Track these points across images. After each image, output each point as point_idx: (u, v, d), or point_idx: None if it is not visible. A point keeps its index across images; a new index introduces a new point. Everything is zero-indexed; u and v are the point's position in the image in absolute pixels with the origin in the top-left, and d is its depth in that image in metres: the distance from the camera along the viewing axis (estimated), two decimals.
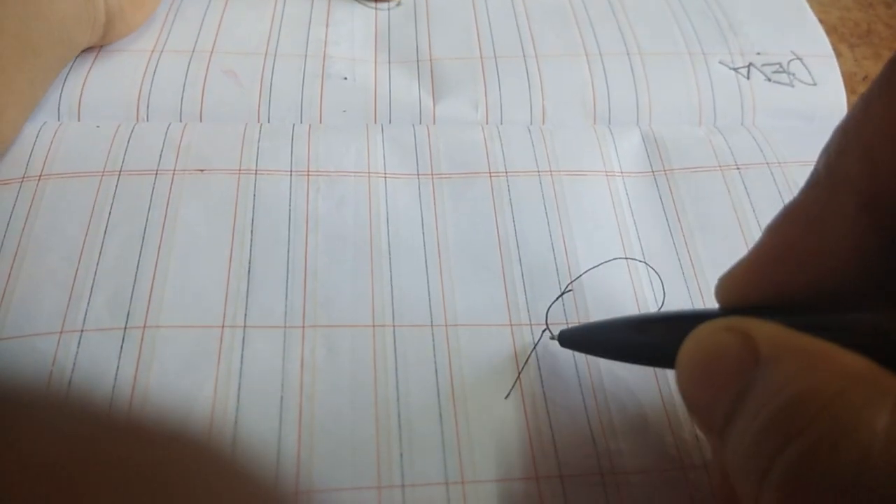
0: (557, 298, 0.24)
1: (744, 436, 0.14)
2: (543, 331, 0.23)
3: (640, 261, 0.25)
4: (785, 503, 0.13)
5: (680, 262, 0.25)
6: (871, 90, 0.15)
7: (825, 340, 0.14)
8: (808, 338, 0.14)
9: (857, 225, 0.15)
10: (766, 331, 0.15)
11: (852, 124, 0.16)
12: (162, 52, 0.30)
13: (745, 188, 0.27)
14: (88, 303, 0.23)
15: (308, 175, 0.26)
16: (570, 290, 0.24)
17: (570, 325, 0.23)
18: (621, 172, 0.28)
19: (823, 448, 0.12)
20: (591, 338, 0.21)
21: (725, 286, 0.18)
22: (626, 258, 0.25)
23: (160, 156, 0.26)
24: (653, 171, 0.28)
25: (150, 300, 0.23)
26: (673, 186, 0.27)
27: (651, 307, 0.24)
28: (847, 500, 0.12)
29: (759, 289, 0.17)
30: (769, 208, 0.27)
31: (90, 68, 0.29)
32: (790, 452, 0.13)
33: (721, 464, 0.16)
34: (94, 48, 0.30)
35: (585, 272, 0.25)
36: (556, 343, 0.23)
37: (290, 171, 0.26)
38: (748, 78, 0.32)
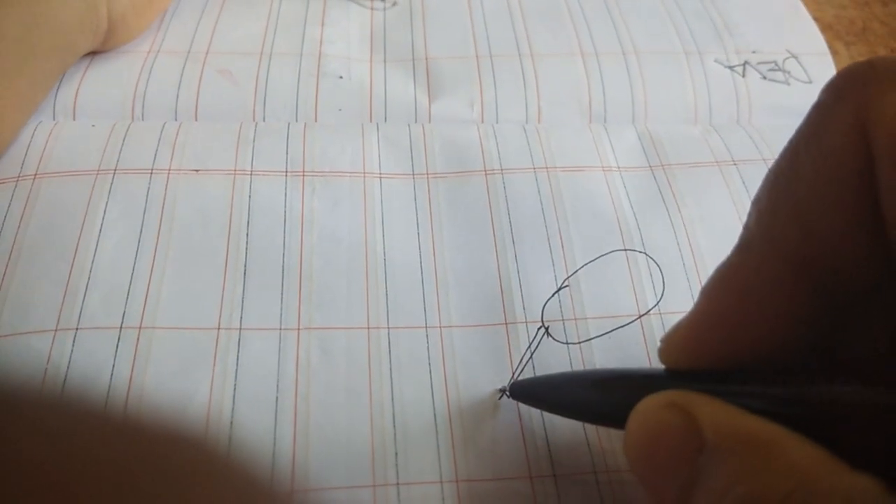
0: (553, 294, 0.24)
1: None
2: (539, 328, 0.23)
3: (640, 251, 0.25)
4: None
5: (681, 254, 0.25)
6: (796, 142, 0.15)
7: (769, 422, 0.14)
8: (751, 421, 0.14)
9: (792, 290, 0.15)
10: (708, 413, 0.14)
11: (782, 181, 0.15)
12: (158, 52, 0.30)
13: (744, 183, 0.28)
14: (83, 301, 0.23)
15: (303, 176, 0.26)
16: (566, 286, 0.24)
17: (522, 378, 0.22)
18: (618, 168, 0.28)
19: None
20: (543, 392, 0.21)
21: (667, 349, 0.17)
22: (626, 249, 0.25)
23: (155, 155, 0.26)
24: (650, 167, 0.28)
25: (146, 301, 0.23)
26: (671, 179, 0.28)
27: (650, 301, 0.24)
28: None
29: (698, 356, 0.16)
30: None
31: (86, 68, 0.29)
32: None
33: None
34: None
35: (583, 266, 0.25)
36: (550, 342, 0.23)
37: (286, 172, 0.26)
38: (744, 76, 0.32)
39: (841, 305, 0.15)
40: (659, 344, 0.18)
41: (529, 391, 0.21)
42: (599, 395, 0.18)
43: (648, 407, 0.16)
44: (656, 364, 0.23)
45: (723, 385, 0.15)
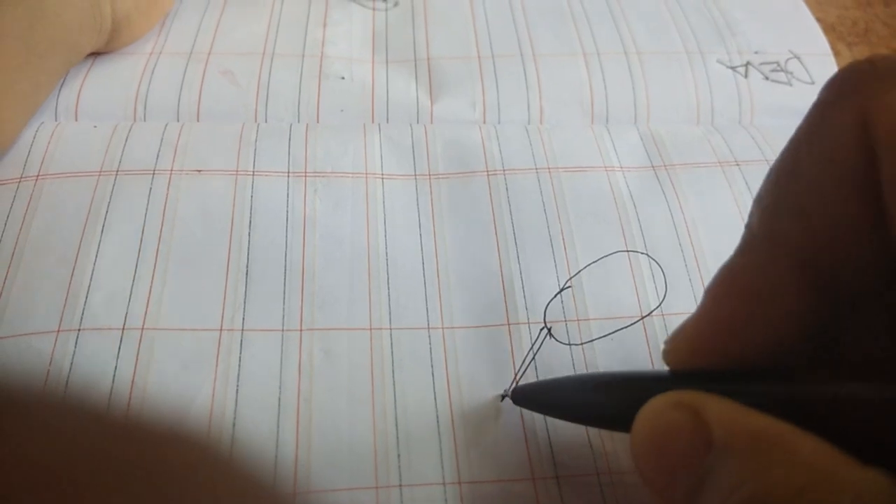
0: (556, 295, 0.24)
1: None
2: (541, 329, 0.23)
3: (643, 252, 0.25)
4: None
5: (683, 255, 0.25)
6: (797, 141, 0.15)
7: (777, 419, 0.13)
8: (760, 419, 0.14)
9: (797, 289, 0.15)
10: (716, 411, 0.14)
11: (783, 179, 0.15)
12: (160, 53, 0.30)
13: (746, 183, 0.27)
14: (86, 302, 0.23)
15: (305, 176, 0.26)
16: (568, 287, 0.24)
17: (523, 383, 0.22)
18: (621, 168, 0.28)
19: None
20: (545, 397, 0.20)
21: (672, 350, 0.17)
22: (628, 251, 0.25)
23: (157, 156, 0.26)
24: (653, 167, 0.28)
25: (148, 302, 0.23)
26: (674, 180, 0.27)
27: (653, 302, 0.24)
28: None
29: (704, 355, 0.16)
30: None
31: (88, 69, 0.29)
32: None
33: None
34: None
35: (585, 267, 0.25)
36: (552, 343, 0.23)
37: (288, 173, 0.26)
38: (746, 77, 0.32)
39: (844, 303, 0.15)
40: (663, 346, 0.18)
41: (531, 396, 0.21)
42: (603, 399, 0.18)
43: (655, 407, 0.16)
44: (659, 365, 0.23)
45: (728, 385, 0.15)
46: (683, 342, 0.17)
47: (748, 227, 0.16)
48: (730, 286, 0.16)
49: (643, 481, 0.16)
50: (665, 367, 0.18)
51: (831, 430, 0.13)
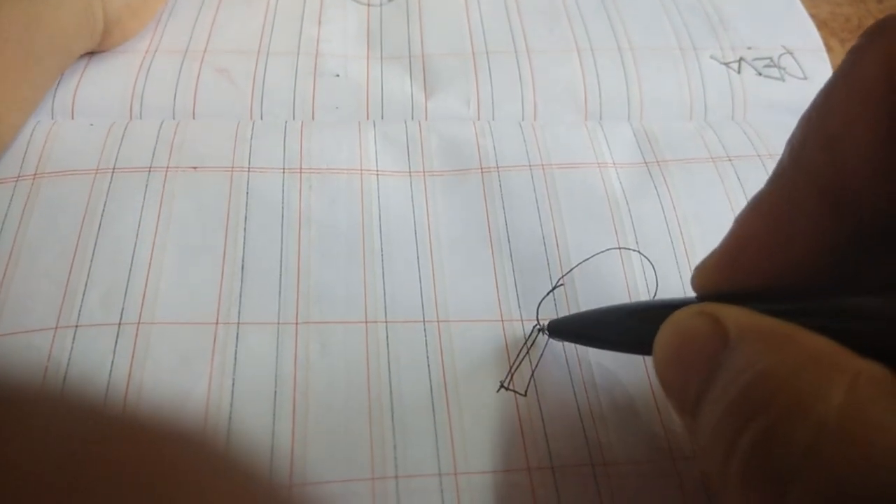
0: (548, 293, 0.24)
1: (711, 415, 0.14)
2: (534, 326, 0.23)
3: (634, 250, 0.25)
4: (747, 480, 0.13)
5: (674, 252, 0.26)
6: (832, 80, 0.16)
7: (790, 323, 0.14)
8: (773, 320, 0.15)
9: (820, 216, 0.16)
10: (734, 315, 0.15)
11: (814, 114, 0.16)
12: (156, 51, 0.30)
13: (739, 179, 0.28)
14: (83, 299, 0.23)
15: (301, 172, 0.27)
16: (561, 285, 0.25)
17: (559, 316, 0.23)
18: (614, 164, 0.28)
19: (782, 424, 0.13)
20: (580, 327, 0.21)
21: (700, 275, 0.18)
22: (620, 248, 0.25)
23: (153, 153, 0.26)
24: (646, 163, 0.28)
25: (144, 297, 0.23)
26: (667, 176, 0.28)
27: (644, 298, 0.24)
28: (804, 474, 0.12)
29: (730, 278, 0.17)
30: None
31: (84, 68, 0.29)
32: (752, 429, 0.13)
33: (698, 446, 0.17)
34: None
35: (577, 265, 0.25)
36: (546, 338, 0.23)
37: (283, 169, 0.27)
38: (739, 72, 0.32)
39: (866, 233, 0.15)
40: (692, 273, 0.19)
41: (568, 328, 0.22)
42: (637, 324, 0.19)
43: (679, 316, 0.17)
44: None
45: (748, 302, 0.16)
46: (712, 265, 0.18)
47: (779, 161, 0.17)
48: (758, 210, 0.17)
49: (662, 388, 0.17)
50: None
51: (843, 341, 0.13)
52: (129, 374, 0.21)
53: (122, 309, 0.23)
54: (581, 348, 0.23)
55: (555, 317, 0.24)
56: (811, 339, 0.14)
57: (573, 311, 0.24)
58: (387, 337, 0.23)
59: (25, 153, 0.26)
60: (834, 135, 0.15)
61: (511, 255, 0.25)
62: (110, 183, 0.25)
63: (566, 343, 0.23)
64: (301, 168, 0.27)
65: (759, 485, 0.13)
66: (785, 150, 0.17)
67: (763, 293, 0.16)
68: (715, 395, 0.15)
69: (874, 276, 0.16)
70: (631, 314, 0.20)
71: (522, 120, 0.30)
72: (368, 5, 0.33)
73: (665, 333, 0.17)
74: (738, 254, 0.17)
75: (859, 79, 0.15)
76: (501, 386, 0.22)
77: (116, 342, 0.22)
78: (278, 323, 0.23)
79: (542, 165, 0.27)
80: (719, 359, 0.15)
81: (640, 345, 0.19)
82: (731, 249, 0.18)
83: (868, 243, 0.16)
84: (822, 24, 0.35)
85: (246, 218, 0.25)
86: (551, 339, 0.23)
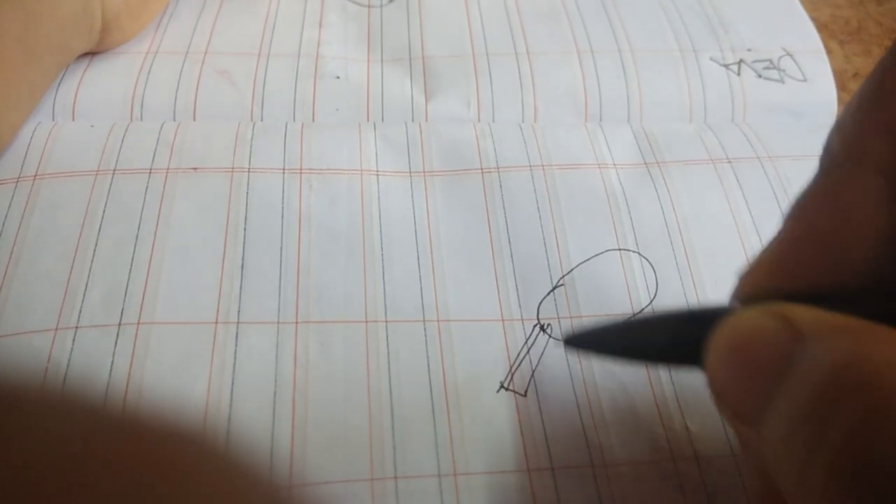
0: (548, 294, 0.24)
1: (784, 417, 0.13)
2: (535, 326, 0.23)
3: (634, 251, 0.25)
4: (837, 483, 0.12)
5: (674, 253, 0.26)
6: (885, 64, 0.15)
7: (864, 320, 0.13)
8: (847, 317, 0.13)
9: (883, 203, 0.15)
10: (807, 314, 0.14)
11: (868, 100, 0.15)
12: (156, 53, 0.30)
13: (738, 181, 0.28)
14: (83, 300, 0.23)
15: (301, 173, 0.27)
16: (561, 285, 0.25)
17: (577, 326, 0.22)
18: (614, 165, 0.28)
19: (877, 416, 0.11)
20: (604, 339, 0.19)
21: (750, 280, 0.17)
22: (620, 249, 0.25)
23: (154, 155, 0.27)
24: (646, 164, 0.28)
25: (143, 297, 0.23)
26: (667, 177, 0.28)
27: (643, 299, 0.24)
28: None
29: (789, 278, 0.16)
30: (762, 200, 0.27)
31: (85, 69, 0.29)
32: (841, 422, 0.12)
33: (757, 461, 0.15)
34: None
35: (577, 266, 0.25)
36: (546, 338, 0.23)
37: (283, 170, 0.27)
38: (739, 74, 0.32)
39: None
40: (737, 278, 0.17)
41: (592, 339, 0.20)
42: (673, 334, 0.17)
43: (742, 314, 0.15)
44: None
45: (811, 303, 0.14)
46: (764, 264, 0.16)
47: (828, 151, 0.16)
48: (814, 201, 0.16)
49: (715, 393, 0.15)
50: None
51: None
52: (129, 374, 0.21)
53: (122, 309, 0.23)
54: None
55: (555, 317, 0.24)
56: (891, 334, 0.12)
57: (573, 311, 0.24)
58: (387, 336, 0.23)
59: (26, 154, 0.26)
60: (893, 120, 0.14)
61: (511, 256, 0.25)
62: (111, 184, 0.26)
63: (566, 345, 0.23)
64: (301, 168, 0.27)
65: (852, 485, 0.11)
66: (833, 139, 0.16)
67: (824, 295, 0.15)
68: (788, 394, 0.13)
69: None
70: (669, 321, 0.18)
71: (523, 122, 0.30)
72: (369, 7, 0.34)
73: (724, 334, 0.15)
74: (798, 251, 0.16)
75: None
76: (501, 386, 0.22)
77: (116, 342, 0.22)
78: (278, 322, 0.23)
79: (543, 166, 0.28)
80: (793, 358, 0.13)
81: (681, 356, 0.17)
82: (789, 247, 0.16)
83: None
84: (822, 27, 0.35)
85: (246, 218, 0.25)
86: (548, 339, 0.23)
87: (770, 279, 0.16)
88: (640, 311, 0.24)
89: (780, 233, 0.16)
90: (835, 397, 0.12)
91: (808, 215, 0.16)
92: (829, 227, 0.15)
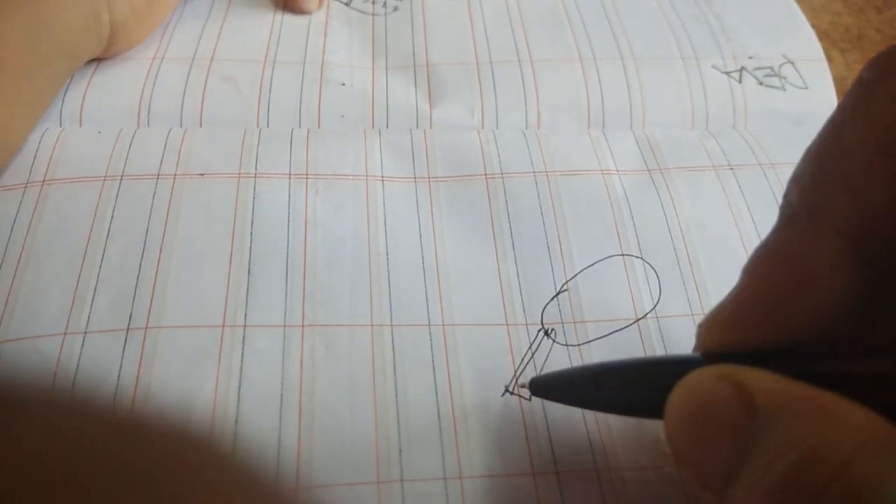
0: (552, 298, 0.24)
1: (752, 496, 0.13)
2: (539, 330, 0.24)
3: (637, 256, 0.26)
4: None
5: (677, 258, 0.26)
6: (841, 113, 0.15)
7: (820, 390, 0.13)
8: (801, 386, 0.13)
9: (842, 263, 0.14)
10: (759, 380, 0.14)
11: (826, 153, 0.15)
12: (163, 59, 0.31)
13: (740, 187, 0.28)
14: (91, 305, 0.23)
15: (307, 178, 0.27)
16: (565, 290, 0.25)
17: (543, 373, 0.22)
18: (617, 171, 0.28)
19: None
20: (567, 386, 0.20)
21: (708, 331, 0.17)
22: (623, 255, 0.26)
23: (161, 160, 0.27)
24: (648, 170, 0.28)
25: (151, 302, 0.23)
26: (670, 184, 0.28)
27: (647, 304, 0.25)
28: None
29: (744, 333, 0.16)
30: (763, 207, 0.27)
31: (92, 75, 0.30)
32: None
33: None
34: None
35: (581, 271, 0.25)
36: (551, 343, 0.23)
37: (289, 175, 0.27)
38: (740, 82, 0.32)
39: (889, 280, 0.14)
40: (696, 330, 0.17)
41: (551, 386, 0.20)
42: (632, 386, 0.18)
43: (694, 380, 0.15)
44: None
45: (766, 363, 0.15)
46: (721, 319, 0.16)
47: (787, 203, 0.16)
48: (774, 259, 0.16)
49: (676, 458, 0.15)
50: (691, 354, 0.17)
51: (876, 407, 0.13)
52: (138, 379, 0.22)
53: (131, 314, 0.23)
54: (586, 353, 0.23)
55: (559, 322, 0.24)
56: (857, 412, 0.12)
57: (577, 316, 0.24)
58: (392, 340, 0.23)
59: (34, 160, 0.26)
60: (853, 176, 0.14)
61: (515, 261, 0.25)
62: (118, 190, 0.26)
63: (570, 347, 0.23)
64: (307, 174, 0.27)
65: None
66: (792, 190, 0.15)
67: (779, 352, 0.15)
68: (754, 474, 0.13)
69: (890, 333, 0.15)
70: (631, 372, 0.18)
71: (526, 128, 0.30)
72: (373, 15, 0.34)
73: (680, 399, 0.15)
74: (753, 306, 0.16)
75: (875, 115, 0.14)
76: (506, 390, 0.22)
77: (125, 347, 0.22)
78: (284, 326, 0.23)
79: (546, 172, 0.28)
80: (749, 433, 0.13)
81: (645, 408, 0.18)
82: (745, 302, 0.16)
83: (889, 294, 0.14)
84: (822, 35, 0.35)
85: (252, 223, 0.25)
86: (553, 344, 0.23)
87: (728, 334, 0.16)
88: (643, 317, 0.24)
89: (739, 286, 0.16)
90: (804, 487, 0.12)
91: (766, 271, 0.16)
92: (786, 283, 0.15)
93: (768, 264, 0.16)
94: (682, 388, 0.15)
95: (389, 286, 0.24)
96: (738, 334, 0.16)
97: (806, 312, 0.15)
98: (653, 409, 0.16)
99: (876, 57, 0.15)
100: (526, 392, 0.22)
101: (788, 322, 0.15)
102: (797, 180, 0.16)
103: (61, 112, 0.28)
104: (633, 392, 0.18)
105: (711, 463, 0.14)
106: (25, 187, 0.26)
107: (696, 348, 0.18)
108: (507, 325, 0.24)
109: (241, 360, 0.22)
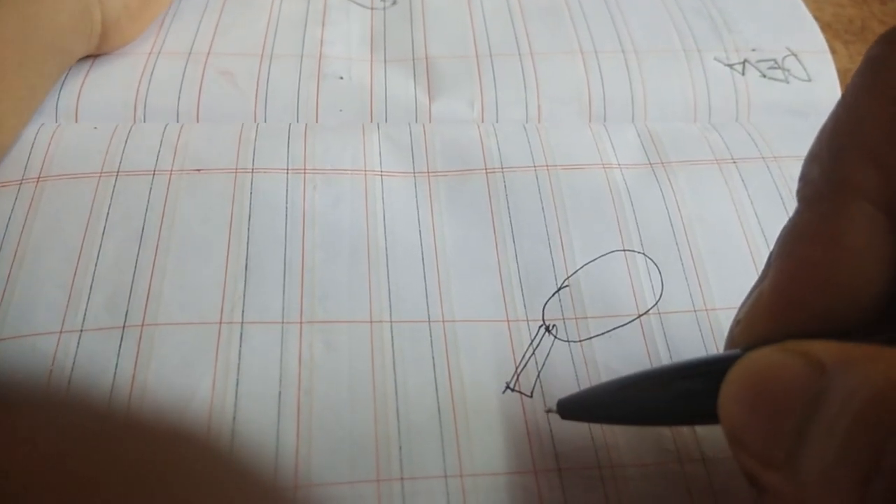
0: (554, 294, 0.24)
1: (822, 456, 0.12)
2: (540, 326, 0.23)
3: (639, 252, 0.25)
4: None
5: (679, 253, 0.26)
6: (854, 88, 0.15)
7: (884, 346, 0.13)
8: (872, 347, 0.13)
9: (878, 233, 0.14)
10: (827, 347, 0.13)
11: (844, 128, 0.15)
12: (159, 54, 0.30)
13: (743, 181, 0.28)
14: (87, 303, 0.23)
15: (305, 173, 0.27)
16: (566, 286, 0.24)
17: (568, 394, 0.20)
18: (619, 165, 0.28)
19: None
20: (599, 402, 0.19)
21: (748, 324, 0.16)
22: (625, 250, 0.25)
23: (157, 156, 0.27)
24: (650, 164, 0.28)
25: (147, 298, 0.23)
26: (672, 177, 0.28)
27: (649, 300, 0.24)
28: None
29: (788, 320, 0.15)
30: (767, 200, 0.27)
31: (88, 71, 0.29)
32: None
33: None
34: None
35: (582, 266, 0.25)
36: (552, 339, 0.23)
37: (287, 170, 0.27)
38: (743, 74, 0.32)
39: None
40: (731, 326, 0.17)
41: (587, 405, 0.19)
42: (674, 392, 0.17)
43: (756, 358, 0.14)
44: (657, 362, 0.23)
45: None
46: (761, 310, 0.16)
47: (806, 182, 0.15)
48: (805, 239, 0.15)
49: (734, 443, 0.14)
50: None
51: None
52: (134, 376, 0.21)
53: (127, 311, 0.23)
54: (587, 349, 0.23)
55: (560, 318, 0.24)
56: None
57: (578, 312, 0.24)
58: (392, 337, 0.23)
59: (29, 156, 0.26)
60: (873, 146, 0.14)
61: (516, 256, 0.25)
62: (114, 186, 0.26)
63: (572, 343, 0.23)
64: (305, 168, 0.27)
65: None
66: (812, 171, 0.15)
67: (831, 332, 0.14)
68: (822, 430, 0.12)
69: None
70: (667, 381, 0.17)
71: (526, 122, 0.30)
72: (372, 8, 0.34)
73: (739, 380, 0.14)
74: (794, 291, 0.15)
75: (893, 82, 0.14)
76: (507, 387, 0.22)
77: (121, 344, 0.22)
78: (282, 322, 0.23)
79: (547, 166, 0.27)
80: (818, 389, 0.13)
81: (686, 412, 0.17)
82: (785, 288, 0.15)
83: None
84: (825, 27, 0.35)
85: (250, 218, 0.25)
86: (554, 340, 0.23)
87: (772, 323, 0.16)
88: (645, 312, 0.24)
89: (772, 272, 0.16)
90: (882, 422, 0.11)
91: (799, 251, 0.15)
92: (825, 262, 0.15)
93: (802, 245, 0.15)
94: (742, 366, 0.15)
95: (389, 282, 0.24)
96: (782, 322, 0.15)
97: (850, 289, 0.15)
98: (689, 413, 0.16)
99: (887, 33, 0.15)
100: (527, 389, 0.22)
101: (833, 301, 0.15)
102: (815, 159, 0.15)
103: (57, 108, 0.28)
104: (667, 400, 0.17)
105: (777, 436, 0.13)
106: (21, 183, 0.25)
107: (728, 346, 0.17)
108: (508, 320, 0.24)
109: (239, 357, 0.22)
